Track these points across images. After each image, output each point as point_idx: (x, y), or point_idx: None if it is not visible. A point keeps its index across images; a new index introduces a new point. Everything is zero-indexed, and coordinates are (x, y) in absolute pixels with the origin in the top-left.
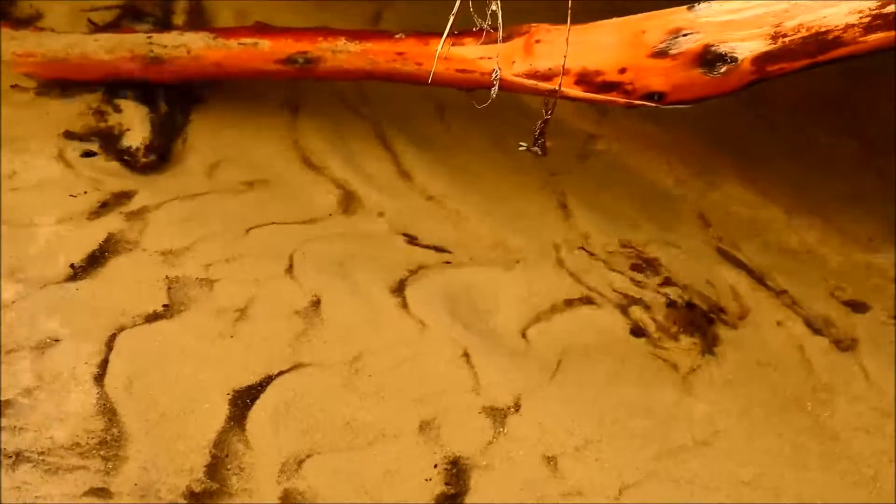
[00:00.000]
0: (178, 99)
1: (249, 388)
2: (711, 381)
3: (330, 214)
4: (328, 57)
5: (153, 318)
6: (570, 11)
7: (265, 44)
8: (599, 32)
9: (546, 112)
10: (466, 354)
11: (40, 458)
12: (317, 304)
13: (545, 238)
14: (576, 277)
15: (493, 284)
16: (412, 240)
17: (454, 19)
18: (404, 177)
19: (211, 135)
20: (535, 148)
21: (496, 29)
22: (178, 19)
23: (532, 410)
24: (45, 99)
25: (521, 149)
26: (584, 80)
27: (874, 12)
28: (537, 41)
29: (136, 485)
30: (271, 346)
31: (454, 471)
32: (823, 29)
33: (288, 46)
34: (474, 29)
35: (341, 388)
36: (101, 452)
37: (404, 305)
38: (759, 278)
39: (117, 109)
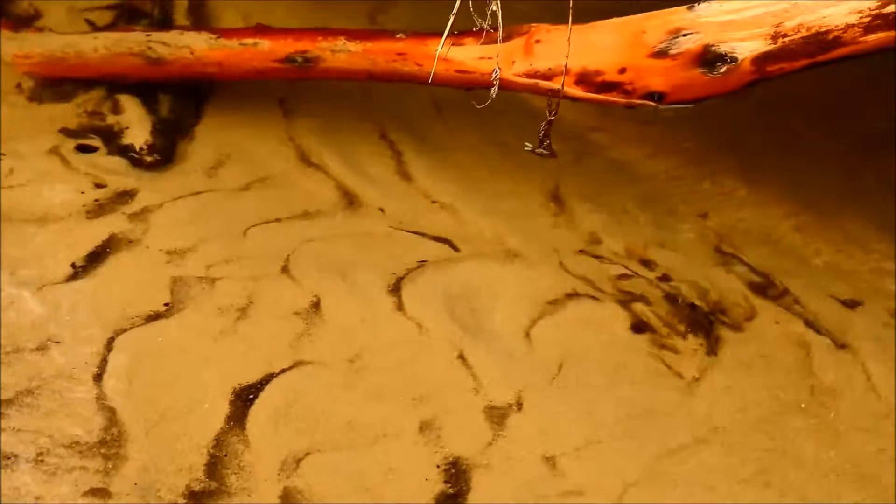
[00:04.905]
0: (183, 98)
1: (250, 387)
2: (712, 380)
3: (331, 214)
4: (328, 56)
5: (153, 317)
6: (571, 11)
7: (265, 43)
8: (599, 32)
9: (550, 113)
10: (466, 354)
11: (40, 458)
12: (317, 303)
13: (545, 237)
14: (576, 276)
15: (493, 283)
16: (412, 239)
17: (454, 19)
18: (404, 176)
19: (212, 134)
20: (542, 149)
21: (496, 29)
22: (179, 20)
23: (532, 410)
24: (44, 98)
25: (526, 150)
26: (584, 80)
27: (874, 12)
28: (537, 41)
29: (135, 485)
30: (271, 345)
31: (454, 470)
32: (823, 29)
33: (288, 46)
34: (474, 29)
35: (342, 387)
36: (101, 452)
37: (404, 305)
38: (758, 278)
39: (116, 109)
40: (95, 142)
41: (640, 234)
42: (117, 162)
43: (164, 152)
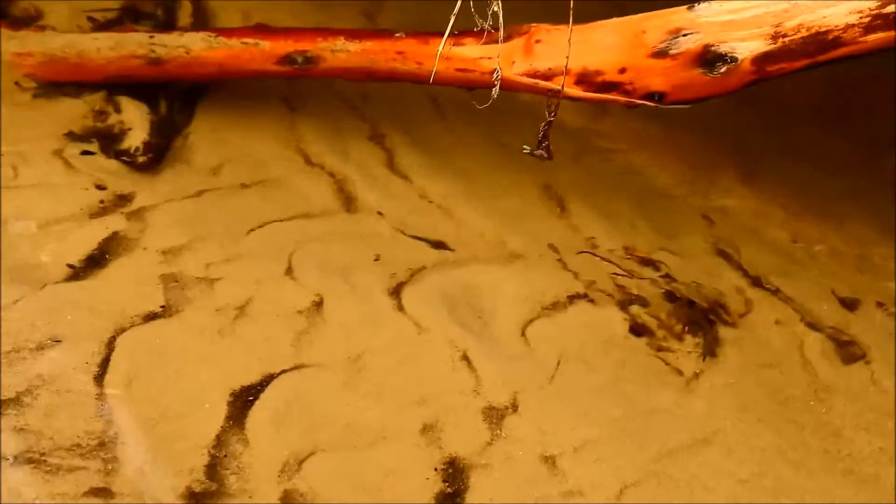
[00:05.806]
0: (179, 98)
1: (250, 387)
2: (711, 380)
3: (330, 214)
4: (328, 56)
5: (153, 317)
6: (571, 11)
7: (265, 44)
8: (600, 32)
9: (549, 114)
10: (466, 355)
11: (40, 458)
12: (317, 304)
13: (545, 238)
14: (576, 276)
15: (493, 284)
16: (412, 240)
17: (454, 19)
18: (404, 177)
19: (211, 134)
20: (540, 151)
21: (496, 29)
22: (181, 21)
23: (531, 410)
24: (44, 99)
25: (524, 152)
26: (584, 79)
27: (874, 12)
28: (537, 41)
29: (136, 485)
30: (272, 345)
31: (453, 470)
32: (823, 29)
33: (288, 46)
34: (475, 29)
35: (342, 388)
36: (101, 453)
37: (404, 306)
38: (758, 278)
39: (117, 109)
40: (93, 146)
41: (639, 234)
42: (117, 163)
43: (157, 151)
